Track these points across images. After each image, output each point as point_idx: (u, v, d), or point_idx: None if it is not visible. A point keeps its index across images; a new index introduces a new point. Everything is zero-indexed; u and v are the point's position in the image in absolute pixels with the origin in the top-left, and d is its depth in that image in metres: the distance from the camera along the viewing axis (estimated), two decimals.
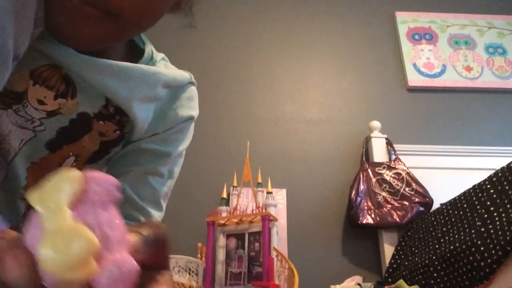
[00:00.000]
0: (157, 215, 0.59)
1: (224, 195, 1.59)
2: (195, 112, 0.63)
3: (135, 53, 0.58)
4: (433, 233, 1.38)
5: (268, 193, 1.52)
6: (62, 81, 0.49)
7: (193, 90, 0.64)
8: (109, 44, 0.50)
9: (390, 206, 1.71)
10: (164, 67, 0.59)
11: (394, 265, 1.56)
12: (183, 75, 0.61)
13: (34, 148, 0.51)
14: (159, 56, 0.61)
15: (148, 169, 0.57)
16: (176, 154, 0.60)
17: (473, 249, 1.05)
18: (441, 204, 1.49)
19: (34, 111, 0.49)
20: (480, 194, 1.17)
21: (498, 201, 1.07)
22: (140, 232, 0.25)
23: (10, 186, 0.52)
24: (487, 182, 1.16)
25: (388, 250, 1.68)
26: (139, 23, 0.45)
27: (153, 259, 0.25)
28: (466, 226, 1.17)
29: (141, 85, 0.53)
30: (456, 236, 1.19)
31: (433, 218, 1.43)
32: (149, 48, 0.59)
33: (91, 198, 0.23)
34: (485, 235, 1.03)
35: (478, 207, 1.15)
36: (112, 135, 0.55)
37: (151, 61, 0.58)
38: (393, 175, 1.78)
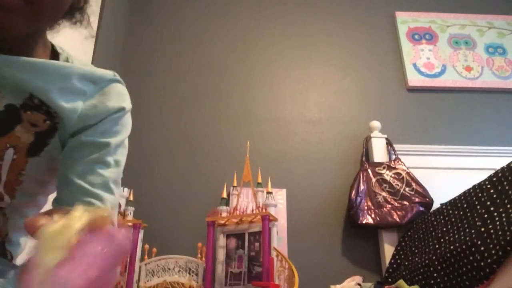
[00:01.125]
0: (110, 198, 0.61)
1: (224, 195, 1.59)
2: (126, 104, 0.66)
3: (55, 59, 0.65)
4: (433, 233, 1.38)
5: (268, 193, 1.52)
6: None
7: (120, 87, 0.68)
8: (26, 31, 0.55)
9: (390, 206, 1.71)
10: (80, 64, 0.65)
11: (394, 265, 1.56)
12: (104, 71, 0.66)
13: None
14: (79, 61, 0.66)
15: (93, 159, 0.61)
16: (115, 143, 0.64)
17: (473, 249, 1.05)
18: (441, 204, 1.49)
19: None
20: (480, 194, 1.17)
21: (498, 201, 1.07)
22: None
23: None
24: (487, 182, 1.16)
25: (388, 250, 1.68)
26: (51, 10, 0.53)
27: None
28: (466, 226, 1.17)
29: (54, 77, 0.58)
30: (456, 236, 1.19)
31: (433, 218, 1.43)
32: (64, 54, 0.66)
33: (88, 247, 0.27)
34: (485, 235, 1.03)
35: (478, 207, 1.15)
36: (44, 125, 0.59)
37: (68, 62, 0.64)
38: (393, 175, 1.78)
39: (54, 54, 0.65)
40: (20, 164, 0.58)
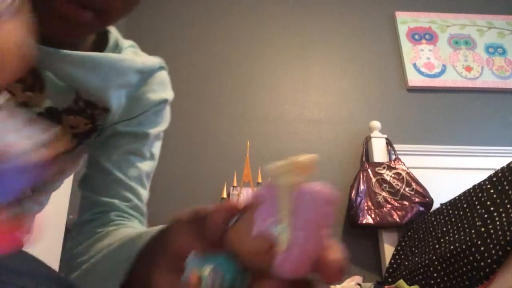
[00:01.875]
0: (145, 193, 0.60)
1: (224, 195, 1.59)
2: (168, 95, 0.64)
3: (101, 42, 0.58)
4: (433, 233, 1.38)
5: None
6: (30, 75, 0.49)
7: (163, 74, 0.64)
8: (86, 35, 0.51)
9: (390, 206, 1.71)
10: (132, 54, 0.60)
11: (394, 265, 1.56)
12: (153, 60, 0.63)
13: None
14: (126, 43, 0.61)
15: (129, 149, 0.59)
16: (153, 135, 0.62)
17: (473, 249, 1.05)
18: (441, 204, 1.49)
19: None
20: (480, 194, 1.17)
21: (498, 201, 1.07)
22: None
23: None
24: (487, 182, 1.16)
25: (388, 250, 1.68)
26: (117, 16, 0.47)
27: None
28: (466, 226, 1.17)
29: (113, 73, 0.54)
30: (456, 236, 1.19)
31: (433, 218, 1.43)
32: (113, 36, 0.59)
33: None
34: (485, 235, 1.03)
35: (478, 207, 1.15)
36: (84, 127, 0.56)
37: (117, 48, 0.59)
38: (393, 175, 1.78)
39: (101, 37, 0.58)
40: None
